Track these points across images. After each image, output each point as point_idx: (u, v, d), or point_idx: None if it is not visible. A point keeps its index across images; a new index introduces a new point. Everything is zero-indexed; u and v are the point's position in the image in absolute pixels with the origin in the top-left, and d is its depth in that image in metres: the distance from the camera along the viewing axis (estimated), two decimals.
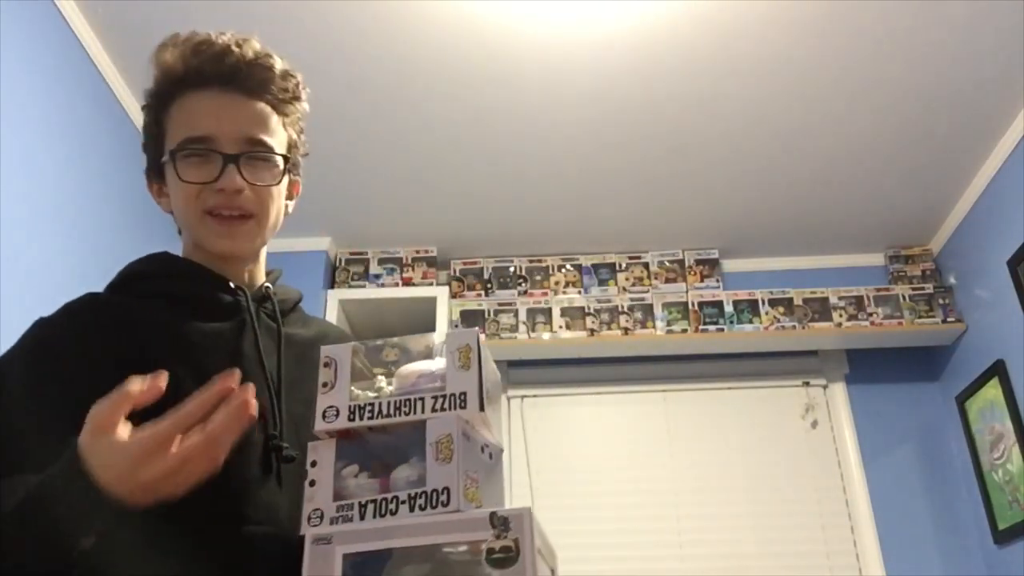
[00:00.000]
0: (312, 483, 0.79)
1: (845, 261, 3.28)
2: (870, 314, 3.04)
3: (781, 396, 3.14)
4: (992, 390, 2.72)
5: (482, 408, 0.78)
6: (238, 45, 0.98)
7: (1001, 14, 2.20)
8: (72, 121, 2.19)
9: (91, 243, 2.26)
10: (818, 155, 2.74)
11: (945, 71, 2.40)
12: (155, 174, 1.02)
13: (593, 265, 3.23)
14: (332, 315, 2.97)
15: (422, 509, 0.74)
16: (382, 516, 0.75)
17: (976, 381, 2.82)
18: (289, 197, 1.06)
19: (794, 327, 3.04)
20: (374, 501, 0.76)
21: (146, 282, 1.01)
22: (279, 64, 1.00)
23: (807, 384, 3.15)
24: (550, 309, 3.10)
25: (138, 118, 2.63)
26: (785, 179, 2.86)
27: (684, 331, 3.05)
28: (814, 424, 3.09)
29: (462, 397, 0.78)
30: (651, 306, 3.10)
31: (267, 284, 1.04)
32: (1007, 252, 2.66)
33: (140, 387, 0.72)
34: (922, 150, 2.72)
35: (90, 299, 0.98)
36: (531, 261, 3.23)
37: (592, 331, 3.04)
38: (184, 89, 0.98)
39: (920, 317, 3.01)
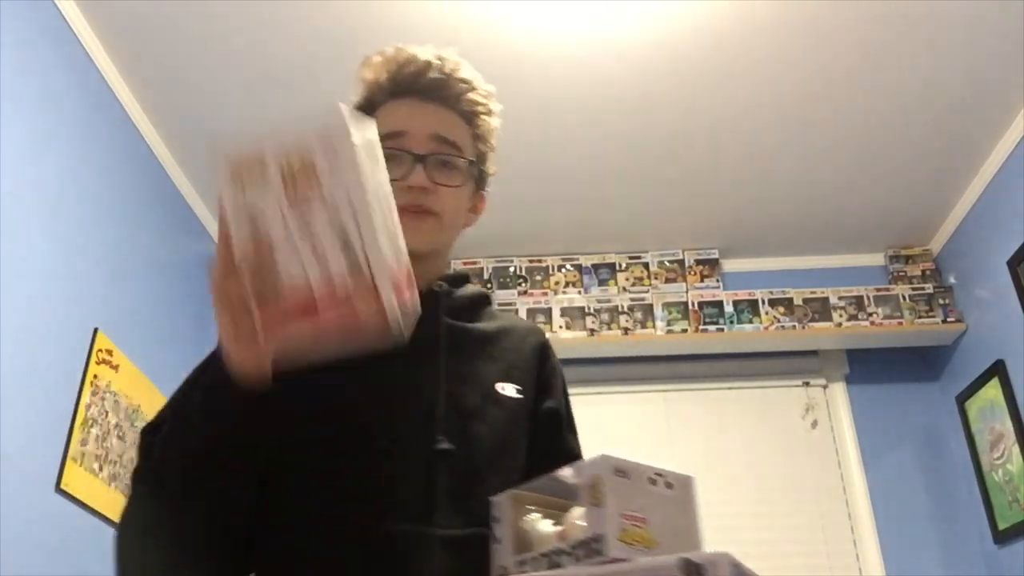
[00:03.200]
0: (497, 540, 0.80)
1: (845, 261, 3.28)
2: (870, 314, 3.04)
3: (781, 396, 3.14)
4: (992, 390, 2.72)
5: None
6: (439, 59, 1.03)
7: (1001, 14, 2.20)
8: (72, 121, 2.19)
9: (91, 243, 2.26)
10: (818, 155, 2.74)
11: (945, 72, 2.40)
12: None
13: (593, 265, 3.23)
14: None
15: (579, 560, 0.71)
16: (554, 567, 0.73)
17: (976, 381, 2.82)
18: (473, 210, 1.09)
19: (794, 327, 3.04)
20: (547, 555, 0.75)
21: None
22: (474, 79, 1.05)
23: (807, 384, 3.15)
24: (550, 309, 3.10)
25: (138, 118, 2.65)
26: (785, 179, 2.86)
27: (684, 331, 3.05)
28: (814, 424, 3.09)
29: (597, 540, 0.71)
30: (651, 306, 3.10)
31: (440, 283, 1.04)
32: (1007, 252, 2.66)
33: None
34: (922, 150, 2.72)
35: None
36: (531, 261, 3.23)
37: (592, 331, 3.04)
38: (386, 98, 1.03)
39: (920, 317, 3.01)
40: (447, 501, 0.88)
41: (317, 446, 0.88)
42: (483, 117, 1.06)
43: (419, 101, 1.02)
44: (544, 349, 1.09)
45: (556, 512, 0.80)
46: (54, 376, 2.07)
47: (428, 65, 1.02)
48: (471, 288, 1.10)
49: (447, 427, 0.92)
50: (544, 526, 0.79)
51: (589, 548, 0.70)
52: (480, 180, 1.08)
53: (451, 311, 1.03)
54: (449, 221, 1.02)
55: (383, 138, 0.96)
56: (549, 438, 1.06)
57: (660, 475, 0.76)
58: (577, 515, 0.75)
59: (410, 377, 0.94)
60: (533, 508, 0.82)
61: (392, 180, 0.95)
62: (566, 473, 0.79)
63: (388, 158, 0.96)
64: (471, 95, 1.04)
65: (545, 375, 1.07)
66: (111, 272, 2.36)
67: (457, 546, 0.87)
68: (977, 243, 2.90)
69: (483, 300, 1.11)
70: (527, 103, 2.49)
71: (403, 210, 0.96)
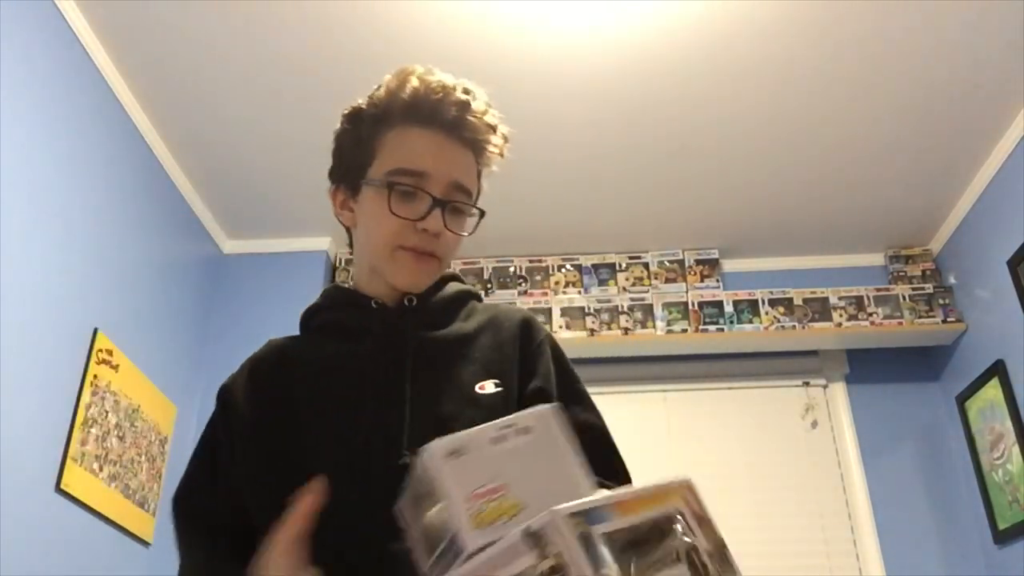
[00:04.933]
0: (411, 547, 0.71)
1: (845, 261, 3.27)
2: (870, 314, 3.04)
3: (781, 396, 3.14)
4: (992, 390, 2.72)
5: None
6: (467, 93, 1.02)
7: (1001, 14, 2.20)
8: (72, 121, 2.19)
9: (91, 243, 2.26)
10: (818, 155, 2.74)
11: (945, 71, 2.40)
12: (347, 187, 1.06)
13: (593, 265, 3.23)
14: None
15: (449, 567, 0.61)
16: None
17: (976, 381, 2.82)
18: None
19: (794, 327, 3.04)
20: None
21: (315, 315, 1.09)
22: (499, 123, 1.05)
23: (807, 384, 3.15)
24: (550, 309, 3.10)
25: (138, 118, 2.64)
26: (785, 179, 2.86)
27: (684, 331, 3.05)
28: (814, 424, 3.09)
29: (453, 541, 0.62)
30: (651, 306, 3.10)
31: (411, 296, 1.03)
32: (1007, 252, 2.66)
33: (303, 507, 0.81)
34: (922, 150, 2.72)
35: (252, 358, 1.06)
36: (531, 261, 3.23)
37: (592, 331, 3.04)
38: (410, 121, 1.00)
39: (920, 317, 3.01)
40: None
41: (288, 494, 0.86)
42: (494, 159, 1.07)
43: (443, 138, 1.00)
44: (527, 329, 1.05)
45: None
46: (54, 376, 2.07)
47: (458, 100, 1.00)
48: (450, 289, 1.08)
49: (423, 440, 0.91)
50: (439, 517, 0.69)
51: (450, 552, 0.61)
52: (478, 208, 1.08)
53: (425, 320, 1.02)
54: (446, 263, 1.05)
55: (403, 172, 0.98)
56: None
57: (509, 426, 0.67)
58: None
59: (379, 403, 0.94)
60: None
61: (408, 219, 0.98)
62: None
63: (406, 195, 0.98)
64: (493, 143, 1.04)
65: (529, 356, 1.03)
66: (111, 272, 2.36)
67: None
68: (977, 243, 2.90)
69: (462, 298, 1.09)
70: (527, 103, 2.49)
71: (411, 249, 0.99)
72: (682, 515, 0.60)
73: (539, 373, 1.01)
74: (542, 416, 0.67)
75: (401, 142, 1.00)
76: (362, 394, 0.94)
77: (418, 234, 0.98)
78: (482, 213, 1.06)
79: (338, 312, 1.06)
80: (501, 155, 1.07)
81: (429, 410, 0.93)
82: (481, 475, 0.63)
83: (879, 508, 2.90)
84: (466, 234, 1.04)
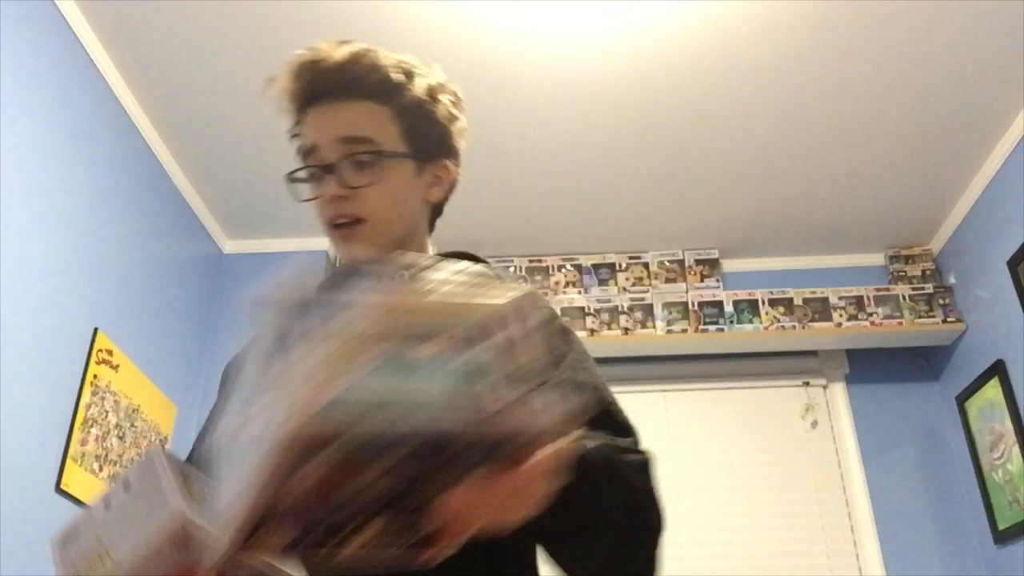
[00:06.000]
0: None
1: (845, 261, 3.27)
2: (870, 314, 3.03)
3: (781, 396, 3.14)
4: (992, 390, 2.72)
5: None
6: (332, 52, 0.97)
7: (1001, 14, 2.20)
8: (72, 121, 2.19)
9: (91, 243, 2.26)
10: (818, 155, 2.74)
11: (945, 71, 2.40)
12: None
13: (593, 265, 3.23)
14: None
15: None
16: None
17: (976, 381, 2.82)
18: (435, 183, 1.02)
19: (794, 327, 3.04)
20: None
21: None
22: (370, 58, 0.97)
23: (807, 384, 3.15)
24: None
25: (138, 118, 2.64)
26: (785, 179, 2.86)
27: (684, 331, 3.04)
28: (814, 424, 3.09)
29: None
30: (651, 306, 3.10)
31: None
32: (1007, 252, 2.66)
33: None
34: (922, 150, 2.72)
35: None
36: (531, 261, 3.23)
37: (592, 331, 3.04)
38: (304, 109, 0.99)
39: (920, 317, 3.01)
40: None
41: None
42: (402, 88, 0.97)
43: (325, 105, 0.96)
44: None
45: None
46: (54, 376, 2.07)
47: (323, 63, 0.96)
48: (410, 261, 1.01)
49: None
50: None
51: None
52: (428, 152, 0.99)
53: None
54: (384, 219, 0.96)
55: (302, 158, 0.97)
56: None
57: (114, 491, 0.66)
58: None
59: None
60: None
61: (315, 198, 0.96)
62: None
63: (313, 177, 0.96)
64: (375, 74, 0.96)
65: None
66: (111, 272, 2.36)
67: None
68: (977, 243, 2.90)
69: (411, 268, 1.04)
70: (527, 103, 2.49)
71: (330, 226, 0.95)
72: None
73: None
74: (147, 464, 0.66)
75: (300, 133, 0.99)
76: None
77: (327, 207, 0.95)
78: (392, 152, 0.95)
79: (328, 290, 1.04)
80: (404, 78, 0.98)
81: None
82: (88, 551, 0.63)
83: (879, 508, 2.90)
84: (374, 183, 0.94)
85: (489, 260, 1.01)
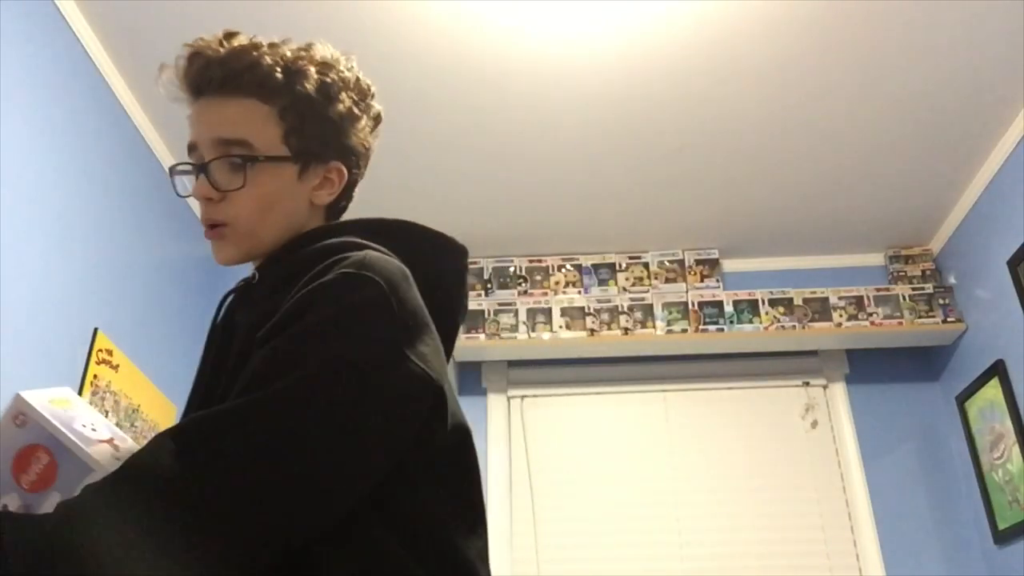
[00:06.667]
0: None
1: (845, 261, 3.28)
2: (870, 314, 3.04)
3: (781, 396, 3.14)
4: (992, 390, 2.72)
5: None
6: (212, 49, 0.93)
7: (1001, 14, 2.20)
8: (72, 121, 2.19)
9: (91, 243, 2.26)
10: (818, 155, 2.74)
11: (945, 72, 2.40)
12: None
13: (593, 265, 3.23)
14: None
15: None
16: None
17: (976, 381, 2.82)
18: (320, 187, 0.96)
19: (794, 327, 3.04)
20: None
21: None
22: (255, 54, 0.93)
23: (807, 384, 3.15)
24: (550, 309, 3.10)
25: (138, 118, 2.64)
26: (785, 179, 2.86)
27: (684, 331, 3.05)
28: (814, 424, 3.09)
29: None
30: (651, 306, 3.10)
31: (255, 272, 0.95)
32: (1007, 252, 2.66)
33: None
34: (922, 150, 2.72)
35: None
36: (531, 261, 3.23)
37: (592, 331, 3.04)
38: (192, 102, 0.97)
39: (920, 317, 3.01)
40: None
41: None
42: (288, 87, 0.92)
43: (207, 100, 0.93)
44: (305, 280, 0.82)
45: None
46: (54, 376, 2.07)
47: (207, 57, 0.92)
48: (299, 260, 0.88)
49: None
50: None
51: None
52: (314, 153, 0.94)
53: (258, 298, 0.90)
54: (248, 225, 0.91)
55: (188, 153, 0.96)
56: None
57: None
58: None
59: (193, 398, 0.94)
60: None
61: (188, 196, 0.96)
62: None
63: (191, 174, 0.95)
64: (258, 71, 0.92)
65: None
66: (111, 272, 2.36)
67: None
68: (977, 243, 2.90)
69: (304, 263, 0.85)
70: (527, 103, 2.49)
71: (204, 226, 0.94)
72: None
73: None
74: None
75: (189, 125, 0.96)
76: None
77: (201, 208, 0.93)
78: (255, 159, 0.90)
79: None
80: (295, 73, 0.93)
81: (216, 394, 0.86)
82: None
83: (879, 508, 2.91)
84: (237, 187, 0.90)
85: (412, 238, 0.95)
